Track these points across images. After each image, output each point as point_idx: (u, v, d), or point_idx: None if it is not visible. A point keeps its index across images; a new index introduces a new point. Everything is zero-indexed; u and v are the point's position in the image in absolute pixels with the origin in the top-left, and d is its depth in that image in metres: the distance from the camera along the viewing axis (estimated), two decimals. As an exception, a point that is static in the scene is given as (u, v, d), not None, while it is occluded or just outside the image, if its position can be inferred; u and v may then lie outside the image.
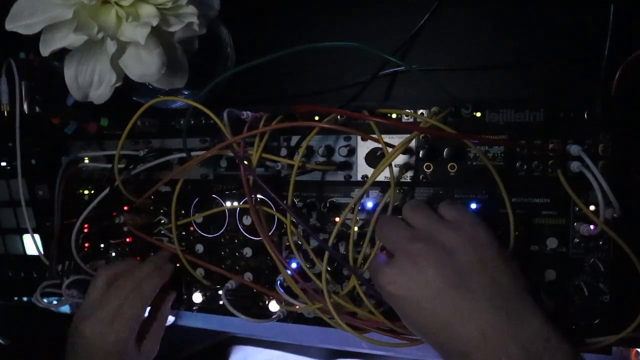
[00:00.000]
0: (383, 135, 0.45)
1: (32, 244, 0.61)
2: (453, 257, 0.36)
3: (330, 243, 0.47)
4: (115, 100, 0.43)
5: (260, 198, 0.51)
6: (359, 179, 0.49)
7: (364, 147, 0.49)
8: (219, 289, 0.55)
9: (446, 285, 0.35)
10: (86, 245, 0.59)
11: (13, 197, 0.62)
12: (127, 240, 0.59)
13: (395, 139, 0.46)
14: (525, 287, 0.36)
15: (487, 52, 0.51)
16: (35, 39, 0.40)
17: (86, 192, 0.60)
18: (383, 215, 0.45)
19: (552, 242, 0.44)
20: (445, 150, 0.46)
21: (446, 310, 0.35)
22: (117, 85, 0.42)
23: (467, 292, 0.35)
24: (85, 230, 0.57)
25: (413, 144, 0.47)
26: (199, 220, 0.55)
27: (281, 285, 0.51)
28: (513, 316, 0.34)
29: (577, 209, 0.44)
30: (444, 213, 0.41)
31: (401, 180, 0.48)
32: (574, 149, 0.42)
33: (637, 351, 0.51)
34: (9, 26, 0.39)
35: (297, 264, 0.50)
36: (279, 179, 0.51)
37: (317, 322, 0.51)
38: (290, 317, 0.53)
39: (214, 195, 0.55)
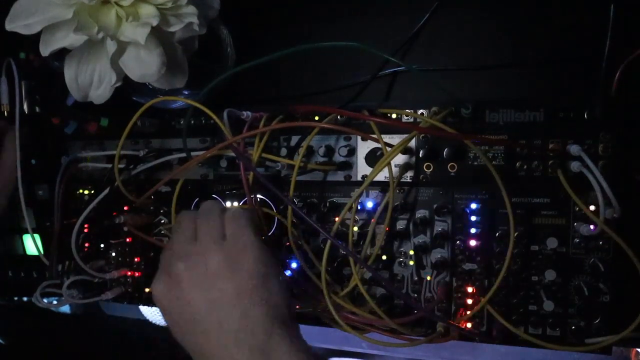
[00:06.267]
0: (383, 136, 0.45)
1: (32, 244, 0.61)
2: (213, 282, 0.37)
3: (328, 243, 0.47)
4: (115, 100, 0.43)
5: (260, 198, 0.51)
6: (359, 179, 0.49)
7: (364, 147, 0.49)
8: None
9: (197, 314, 0.37)
10: (86, 245, 0.59)
11: (13, 197, 0.62)
12: (127, 240, 0.59)
13: (396, 139, 0.46)
14: (280, 320, 0.36)
15: (487, 52, 0.51)
16: (35, 39, 0.40)
17: (86, 192, 0.60)
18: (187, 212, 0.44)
19: (552, 242, 0.44)
20: (445, 150, 0.46)
21: (197, 340, 0.37)
22: (117, 85, 0.42)
23: (215, 324, 0.36)
24: (85, 230, 0.57)
25: (413, 143, 0.47)
26: (199, 220, 0.55)
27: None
28: (257, 352, 0.34)
29: (577, 209, 0.44)
30: (226, 224, 0.40)
31: (401, 180, 0.48)
32: (574, 149, 0.42)
33: (637, 351, 0.51)
34: (9, 26, 0.39)
35: (297, 263, 0.50)
36: (279, 179, 0.51)
37: (317, 322, 0.51)
38: (290, 317, 0.53)
39: (214, 195, 0.55)
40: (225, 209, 0.43)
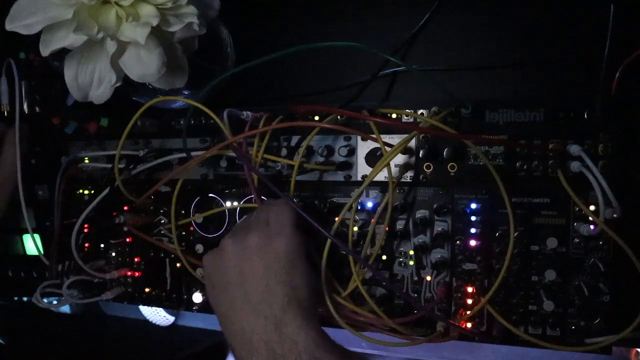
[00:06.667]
0: (383, 136, 0.45)
1: (32, 244, 0.61)
2: (247, 257, 0.41)
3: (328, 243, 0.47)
4: (115, 100, 0.43)
5: (261, 198, 0.51)
6: (359, 179, 0.49)
7: (364, 147, 0.49)
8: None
9: (230, 282, 0.42)
10: (86, 245, 0.59)
11: (13, 197, 0.62)
12: (127, 240, 0.59)
13: (396, 139, 0.46)
14: (297, 302, 0.39)
15: (487, 52, 0.51)
16: (35, 39, 0.40)
17: (86, 192, 0.60)
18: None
19: (552, 242, 0.44)
20: (445, 150, 0.46)
21: (225, 304, 0.42)
22: (117, 85, 0.42)
23: (242, 293, 0.41)
24: (85, 230, 0.57)
25: (413, 144, 0.47)
26: (199, 220, 0.55)
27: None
28: (271, 324, 0.38)
29: (577, 209, 0.44)
30: (271, 212, 0.45)
31: (401, 180, 0.48)
32: (574, 149, 0.42)
33: (637, 351, 0.52)
34: (9, 26, 0.39)
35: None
36: (280, 179, 0.51)
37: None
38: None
39: (213, 195, 0.55)
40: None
